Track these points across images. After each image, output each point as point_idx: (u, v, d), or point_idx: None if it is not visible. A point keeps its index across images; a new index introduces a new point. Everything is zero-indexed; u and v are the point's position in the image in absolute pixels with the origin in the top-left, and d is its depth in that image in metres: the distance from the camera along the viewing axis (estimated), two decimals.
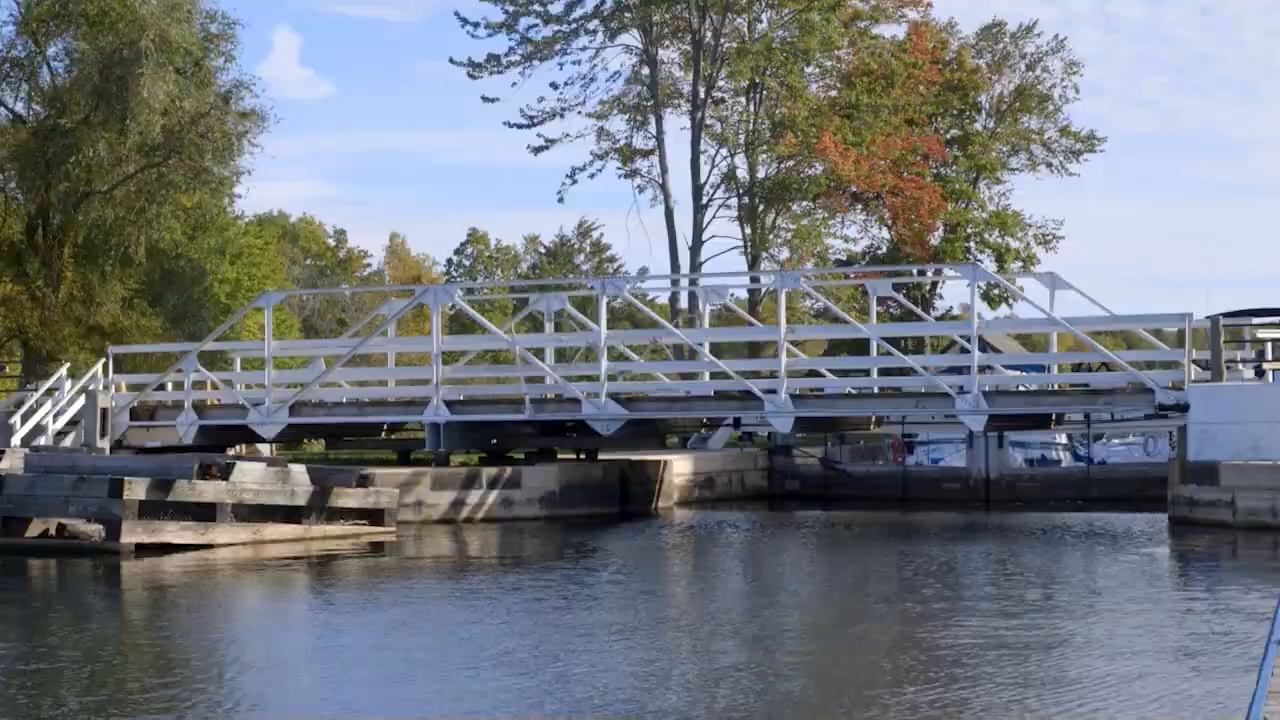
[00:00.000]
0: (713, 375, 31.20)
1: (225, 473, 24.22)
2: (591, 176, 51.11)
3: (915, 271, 49.68)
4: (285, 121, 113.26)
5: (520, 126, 50.84)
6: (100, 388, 31.85)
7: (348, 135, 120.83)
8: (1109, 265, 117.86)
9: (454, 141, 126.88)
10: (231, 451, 31.44)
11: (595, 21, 50.08)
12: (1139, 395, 28.22)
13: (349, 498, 25.60)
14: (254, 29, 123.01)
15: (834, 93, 51.07)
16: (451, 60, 51.03)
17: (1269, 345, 29.60)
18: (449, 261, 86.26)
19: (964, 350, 30.99)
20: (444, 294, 32.70)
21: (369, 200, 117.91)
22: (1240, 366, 29.26)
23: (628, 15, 49.48)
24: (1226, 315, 42.99)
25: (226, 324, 35.67)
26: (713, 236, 49.78)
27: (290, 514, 24.82)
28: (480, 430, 31.01)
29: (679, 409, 31.81)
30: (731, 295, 39.48)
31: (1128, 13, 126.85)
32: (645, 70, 49.87)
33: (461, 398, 31.93)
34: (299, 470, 25.42)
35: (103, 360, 33.06)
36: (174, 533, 23.49)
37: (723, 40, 49.09)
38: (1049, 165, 58.68)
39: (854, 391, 31.48)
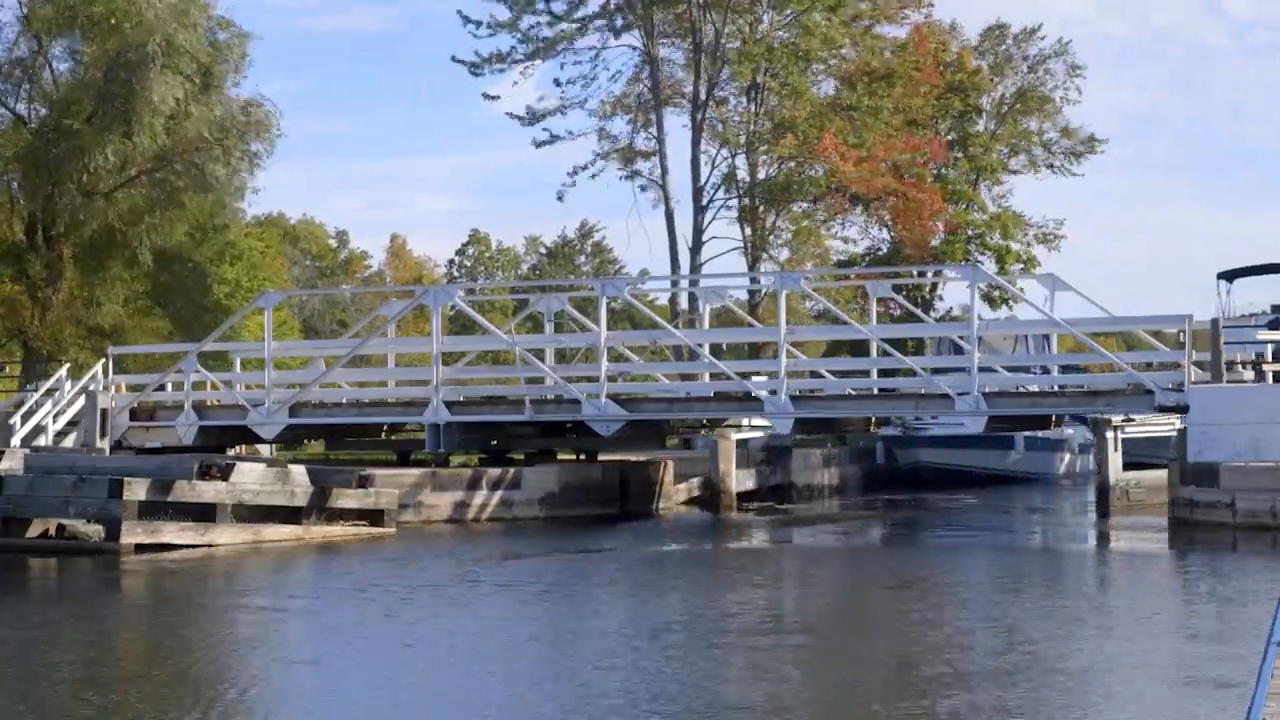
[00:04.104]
0: (713, 376, 31.21)
1: (225, 473, 24.23)
2: (593, 177, 51.02)
3: (915, 273, 49.65)
4: (480, 138, 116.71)
5: (522, 119, 50.78)
6: (100, 388, 31.82)
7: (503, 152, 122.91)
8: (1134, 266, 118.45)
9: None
10: (231, 452, 31.42)
11: (598, 21, 50.05)
12: (1139, 396, 28.21)
13: (349, 498, 25.60)
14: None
15: (833, 93, 50.98)
16: (454, 59, 51.05)
17: (1269, 347, 29.61)
18: (450, 262, 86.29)
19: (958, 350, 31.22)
20: (444, 295, 32.69)
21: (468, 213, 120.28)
22: (1240, 368, 29.24)
23: (630, 16, 49.45)
24: (1230, 273, 43.32)
25: (226, 324, 35.65)
26: (713, 238, 49.72)
27: (290, 514, 24.82)
28: (480, 431, 31.00)
29: (679, 410, 31.78)
30: (731, 296, 39.51)
31: None
32: (646, 70, 49.84)
33: (461, 399, 31.92)
34: (299, 471, 25.42)
35: (103, 361, 33.04)
36: (174, 533, 23.50)
37: (724, 40, 49.03)
38: (1050, 167, 58.75)
39: (854, 393, 31.47)
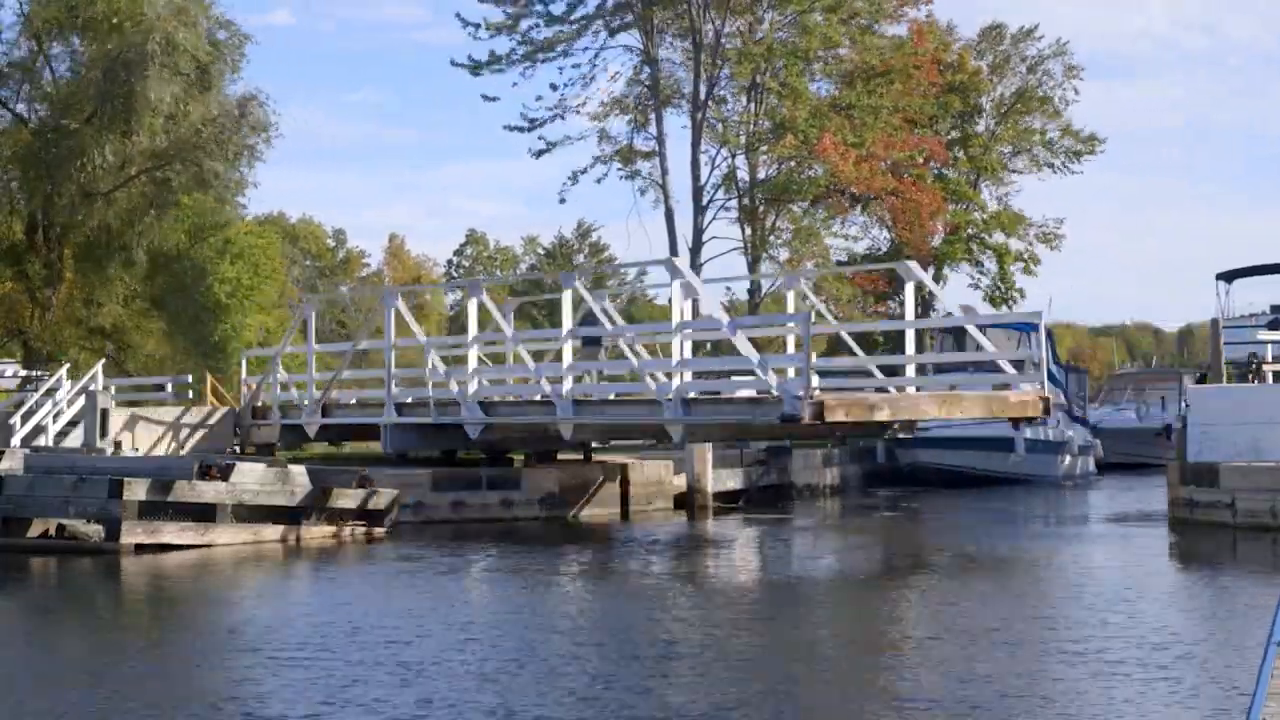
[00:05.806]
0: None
1: (225, 473, 24.23)
2: (599, 181, 50.93)
3: None
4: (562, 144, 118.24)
5: (520, 129, 50.68)
6: (100, 388, 31.84)
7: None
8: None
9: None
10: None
11: (597, 22, 50.01)
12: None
13: (348, 498, 25.60)
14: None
15: (835, 91, 50.96)
16: (453, 62, 50.98)
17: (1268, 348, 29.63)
18: (449, 262, 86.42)
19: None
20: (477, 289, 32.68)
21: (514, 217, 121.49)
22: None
23: (629, 15, 49.43)
24: (1230, 273, 43.44)
25: (290, 333, 34.88)
26: (713, 238, 49.72)
27: (290, 514, 24.82)
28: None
29: None
30: (732, 295, 39.54)
31: None
32: (646, 70, 49.80)
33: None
34: (299, 471, 25.42)
35: (103, 361, 33.05)
36: (174, 533, 23.51)
37: (724, 40, 49.01)
38: (1051, 166, 58.91)
39: None
